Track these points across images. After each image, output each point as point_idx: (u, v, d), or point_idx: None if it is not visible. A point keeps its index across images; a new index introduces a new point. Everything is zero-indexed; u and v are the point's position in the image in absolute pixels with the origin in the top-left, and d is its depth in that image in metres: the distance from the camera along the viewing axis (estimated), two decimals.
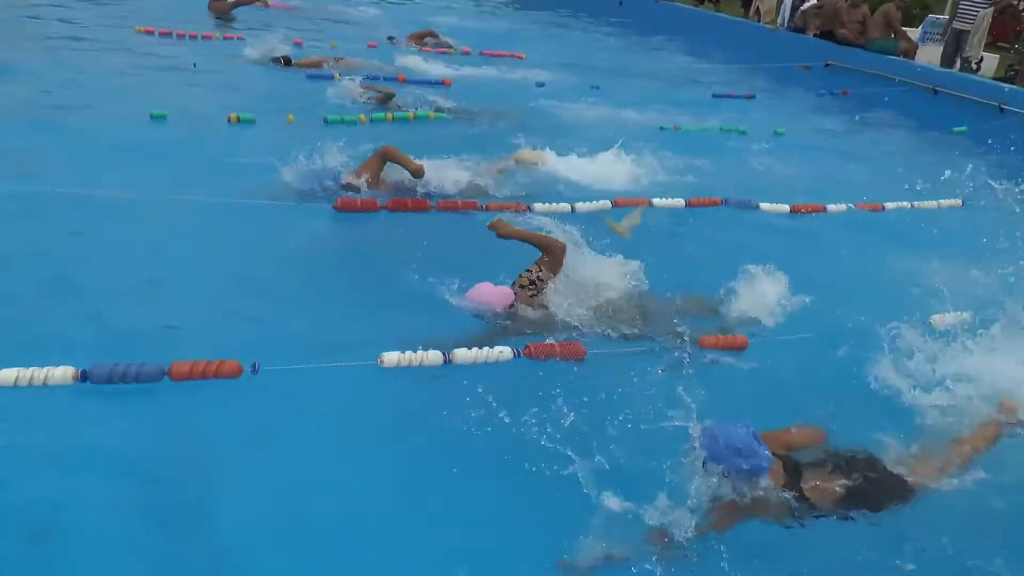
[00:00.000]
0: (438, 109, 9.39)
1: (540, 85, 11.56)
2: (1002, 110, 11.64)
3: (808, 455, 3.54)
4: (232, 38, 12.31)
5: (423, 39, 13.54)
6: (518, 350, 4.40)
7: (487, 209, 6.33)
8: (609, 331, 4.73)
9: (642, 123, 9.99)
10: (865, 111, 12.37)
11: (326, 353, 4.13)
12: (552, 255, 4.98)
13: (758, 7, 18.79)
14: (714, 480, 3.23)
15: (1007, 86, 12.50)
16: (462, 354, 4.33)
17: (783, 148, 9.72)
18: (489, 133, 7.84)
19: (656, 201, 7.06)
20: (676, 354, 4.47)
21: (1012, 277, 4.93)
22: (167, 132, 7.79)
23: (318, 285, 5.29)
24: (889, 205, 7.78)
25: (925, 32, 18.49)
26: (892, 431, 3.90)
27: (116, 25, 12.29)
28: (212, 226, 5.79)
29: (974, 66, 14.73)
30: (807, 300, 5.15)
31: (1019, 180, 6.62)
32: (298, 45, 12.06)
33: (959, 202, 7.95)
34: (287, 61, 10.76)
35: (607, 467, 3.41)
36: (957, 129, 11.21)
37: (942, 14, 18.85)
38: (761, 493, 3.24)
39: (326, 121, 8.46)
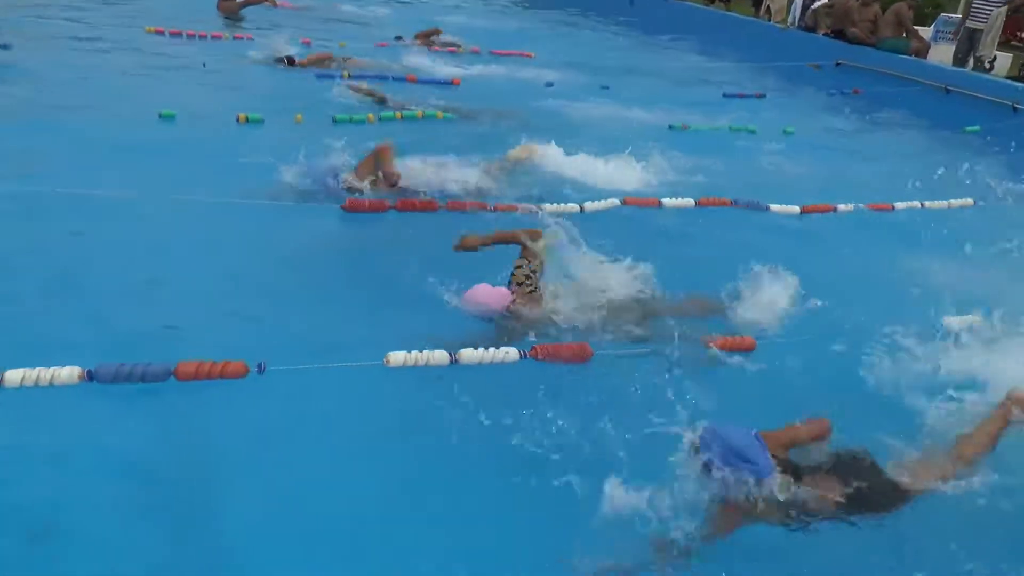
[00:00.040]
0: (446, 109, 9.37)
1: (549, 85, 11.54)
2: (1015, 109, 11.56)
3: (809, 457, 3.48)
4: (242, 38, 12.34)
5: (430, 38, 13.53)
6: (524, 351, 4.38)
7: (495, 210, 6.31)
8: (615, 332, 4.70)
9: (651, 123, 9.96)
10: (876, 110, 12.30)
11: (332, 353, 4.11)
12: (525, 246, 4.96)
13: (769, 6, 18.72)
14: (715, 484, 3.19)
15: (1020, 85, 12.39)
16: (468, 354, 4.31)
17: (793, 147, 9.67)
18: (497, 132, 7.83)
19: (666, 201, 7.03)
20: (683, 355, 4.44)
21: None
22: (175, 132, 7.81)
23: (324, 285, 5.29)
24: (899, 205, 7.71)
25: (937, 31, 18.38)
26: (898, 433, 3.86)
27: (126, 25, 12.34)
28: (217, 226, 5.78)
29: (987, 65, 14.62)
30: (815, 301, 5.10)
31: None
32: (307, 45, 12.07)
33: (970, 201, 7.89)
34: (291, 61, 10.77)
35: (610, 469, 3.37)
36: (970, 128, 11.13)
37: (954, 13, 18.73)
38: (762, 497, 3.20)
39: (335, 120, 8.46)
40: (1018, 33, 18.44)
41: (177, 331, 4.48)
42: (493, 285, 4.79)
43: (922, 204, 7.76)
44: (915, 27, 15.33)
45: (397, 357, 4.20)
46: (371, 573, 3.26)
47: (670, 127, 9.76)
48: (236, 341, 4.36)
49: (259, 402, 3.98)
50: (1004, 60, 15.33)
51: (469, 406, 3.83)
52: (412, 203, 6.39)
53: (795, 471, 3.35)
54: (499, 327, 4.70)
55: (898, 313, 4.83)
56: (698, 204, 7.13)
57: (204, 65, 10.27)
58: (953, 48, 15.77)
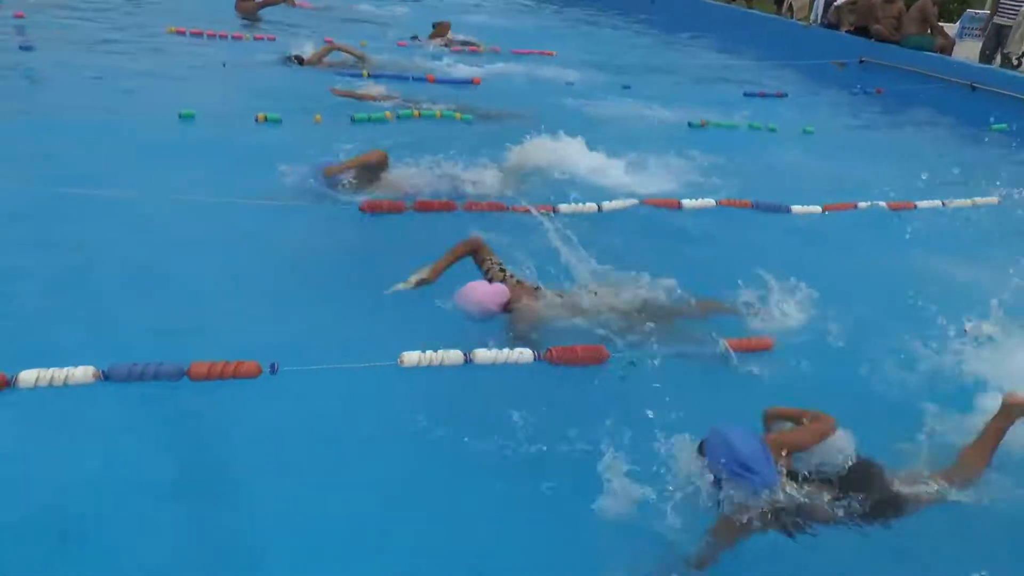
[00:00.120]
0: (465, 109, 9.35)
1: (570, 84, 11.50)
2: None
3: (815, 464, 3.40)
4: (262, 38, 12.40)
5: (445, 35, 13.44)
6: (539, 352, 4.34)
7: (513, 210, 6.28)
8: (631, 334, 4.63)
9: (671, 121, 9.89)
10: (900, 108, 12.17)
11: (345, 353, 4.10)
12: (475, 252, 4.95)
13: (791, 3, 18.57)
14: (719, 492, 3.14)
15: None
16: (483, 354, 4.28)
17: (814, 146, 9.58)
18: (516, 132, 7.78)
19: (686, 202, 6.96)
20: (700, 357, 4.39)
21: None
22: (195, 131, 7.85)
23: (338, 285, 5.26)
24: (922, 204, 7.59)
25: (963, 27, 18.17)
26: (909, 439, 3.80)
27: (148, 25, 12.44)
28: (230, 226, 5.79)
29: (1015, 62, 14.40)
30: (833, 300, 5.04)
31: None
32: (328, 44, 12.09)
33: (995, 200, 7.76)
34: (300, 60, 10.79)
35: (621, 474, 3.34)
36: (996, 126, 10.97)
37: (981, 9, 18.49)
38: (765, 507, 3.13)
39: (353, 120, 8.46)
40: None
41: (190, 331, 4.50)
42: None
43: (943, 203, 7.64)
44: (940, 23, 15.13)
45: (411, 357, 4.18)
46: (382, 573, 3.25)
47: (689, 124, 9.69)
48: (249, 341, 4.35)
49: (272, 402, 3.98)
50: None
51: (483, 407, 3.81)
52: (430, 204, 6.37)
53: (800, 479, 3.27)
54: (513, 325, 4.66)
55: (919, 314, 4.75)
56: (719, 204, 7.05)
57: (224, 65, 10.32)
58: (980, 45, 15.55)
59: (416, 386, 4.16)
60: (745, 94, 12.09)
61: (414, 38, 13.39)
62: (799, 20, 17.83)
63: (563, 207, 6.51)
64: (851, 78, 13.70)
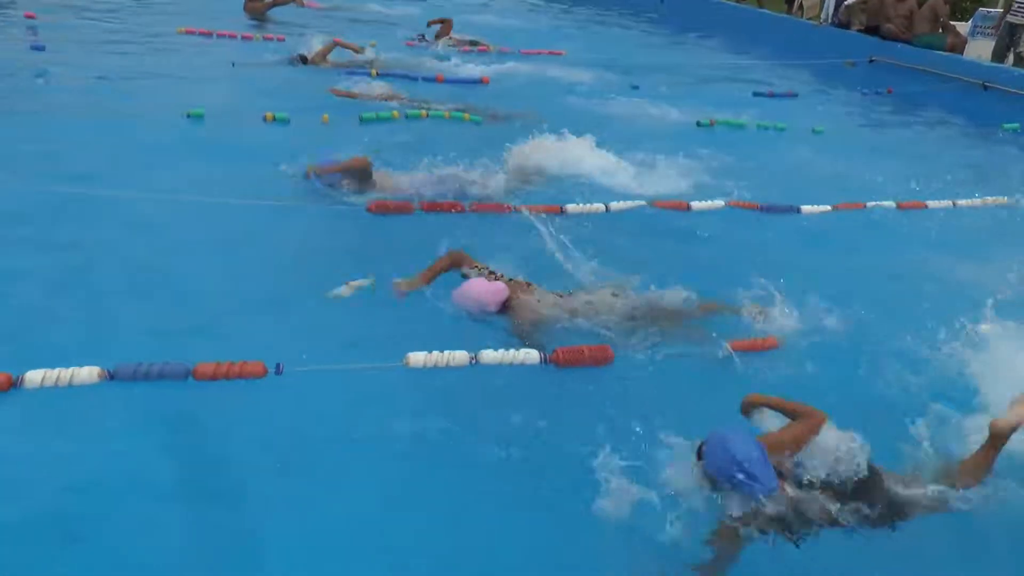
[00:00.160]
0: (473, 109, 9.34)
1: (579, 84, 11.47)
2: None
3: (812, 465, 3.37)
4: (272, 39, 12.41)
5: (449, 33, 13.40)
6: (545, 353, 4.33)
7: (519, 210, 6.27)
8: (636, 335, 4.62)
9: (680, 121, 9.85)
10: (911, 108, 12.09)
11: (351, 353, 4.10)
12: (459, 264, 4.97)
13: (801, 2, 18.48)
14: (719, 497, 3.12)
15: None
16: (489, 355, 4.27)
17: (823, 146, 9.52)
18: (524, 132, 7.76)
19: (694, 204, 6.92)
20: (706, 359, 4.37)
21: None
22: (203, 131, 7.87)
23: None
24: (932, 203, 7.54)
25: (975, 26, 18.01)
26: (911, 443, 3.78)
27: (158, 25, 12.48)
28: (236, 226, 5.81)
29: None
30: (841, 301, 5.01)
31: None
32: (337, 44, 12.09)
33: (1005, 200, 7.70)
34: (303, 59, 10.80)
35: (622, 476, 3.34)
36: (1008, 126, 10.90)
37: (994, 7, 18.36)
38: (763, 512, 3.11)
39: (361, 119, 8.47)
40: None
41: (194, 331, 4.50)
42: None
43: (954, 203, 7.58)
44: (951, 22, 15.04)
45: (417, 358, 4.18)
46: (386, 574, 3.24)
47: (698, 124, 9.65)
48: (254, 342, 4.36)
49: (277, 403, 3.97)
50: None
51: (487, 407, 3.80)
52: (438, 205, 6.36)
53: (799, 484, 3.25)
54: (516, 325, 4.64)
55: (927, 315, 4.72)
56: (728, 205, 7.02)
57: (233, 65, 10.34)
58: (992, 43, 15.44)
59: (421, 387, 4.15)
60: (755, 94, 12.02)
61: (422, 38, 13.38)
62: (810, 19, 17.75)
63: (570, 207, 6.49)
64: (862, 77, 13.63)
